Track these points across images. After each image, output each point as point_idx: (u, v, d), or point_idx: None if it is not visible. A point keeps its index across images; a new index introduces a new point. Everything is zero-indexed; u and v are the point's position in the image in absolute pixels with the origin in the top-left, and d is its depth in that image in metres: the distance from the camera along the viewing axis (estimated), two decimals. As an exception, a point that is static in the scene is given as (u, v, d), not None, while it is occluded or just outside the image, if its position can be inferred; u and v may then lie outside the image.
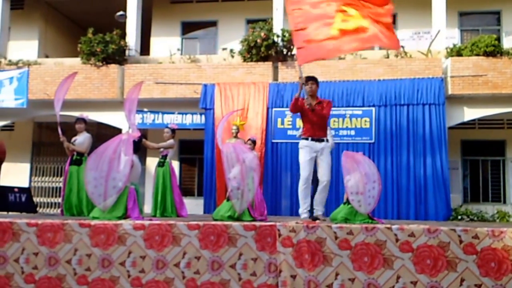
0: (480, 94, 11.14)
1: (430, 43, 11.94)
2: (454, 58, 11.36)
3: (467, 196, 12.66)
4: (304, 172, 6.18)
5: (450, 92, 11.17)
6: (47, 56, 14.66)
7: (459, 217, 10.85)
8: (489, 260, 4.34)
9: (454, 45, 11.76)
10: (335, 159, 11.03)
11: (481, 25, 13.48)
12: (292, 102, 6.16)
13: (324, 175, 6.22)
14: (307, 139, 6.22)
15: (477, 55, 11.23)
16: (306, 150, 6.20)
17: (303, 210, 6.21)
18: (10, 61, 13.09)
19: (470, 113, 11.43)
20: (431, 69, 11.33)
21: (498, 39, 11.69)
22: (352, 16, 5.22)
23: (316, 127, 6.21)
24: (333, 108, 11.02)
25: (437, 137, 10.86)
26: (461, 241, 4.39)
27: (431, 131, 10.91)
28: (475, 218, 10.94)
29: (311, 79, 6.34)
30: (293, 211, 11.15)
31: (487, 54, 11.15)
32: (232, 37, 13.52)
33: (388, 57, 11.94)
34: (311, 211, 6.35)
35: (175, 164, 12.39)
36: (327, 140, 6.32)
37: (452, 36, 12.88)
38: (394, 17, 13.59)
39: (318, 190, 6.27)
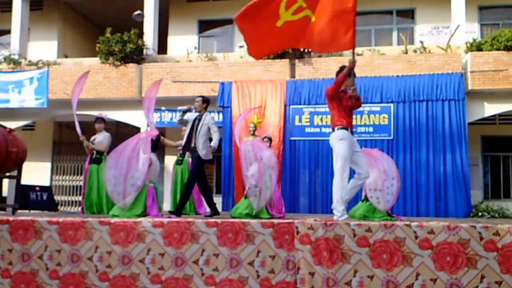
0: (501, 89, 10.96)
1: (450, 38, 11.78)
2: (474, 53, 11.20)
3: (487, 193, 12.49)
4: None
5: (470, 87, 11.02)
6: (66, 56, 14.86)
7: (480, 214, 10.71)
8: (510, 257, 4.27)
9: (474, 40, 11.59)
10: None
11: (502, 19, 13.25)
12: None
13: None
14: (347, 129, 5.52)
15: (498, 49, 11.05)
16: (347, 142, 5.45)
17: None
18: (30, 61, 13.29)
19: (491, 109, 11.27)
20: (450, 64, 11.20)
21: (519, 33, 11.48)
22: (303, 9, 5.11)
23: None
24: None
25: (457, 133, 10.75)
26: (481, 238, 4.33)
27: (451, 127, 10.79)
28: (496, 215, 10.80)
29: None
30: (311, 209, 11.15)
31: (507, 48, 10.97)
32: (249, 35, 13.52)
33: (406, 52, 11.83)
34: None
35: (193, 162, 12.46)
36: None
37: (471, 30, 12.69)
38: (413, 12, 13.50)
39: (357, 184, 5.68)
